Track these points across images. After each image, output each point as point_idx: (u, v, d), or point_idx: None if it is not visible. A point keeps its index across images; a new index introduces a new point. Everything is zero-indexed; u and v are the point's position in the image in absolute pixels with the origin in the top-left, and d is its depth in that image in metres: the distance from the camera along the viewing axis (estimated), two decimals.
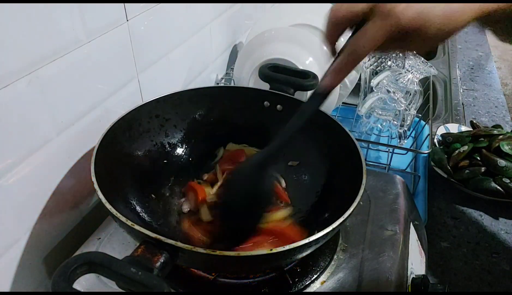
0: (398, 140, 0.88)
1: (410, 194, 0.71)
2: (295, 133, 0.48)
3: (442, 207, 0.86)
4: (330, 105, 0.89)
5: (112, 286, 0.40)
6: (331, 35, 0.43)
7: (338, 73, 0.43)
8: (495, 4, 0.39)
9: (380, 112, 0.87)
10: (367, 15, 0.40)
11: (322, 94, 0.46)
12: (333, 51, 0.44)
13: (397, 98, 0.85)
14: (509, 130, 0.96)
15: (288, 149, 0.71)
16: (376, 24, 0.38)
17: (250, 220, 0.54)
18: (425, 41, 0.39)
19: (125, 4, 0.64)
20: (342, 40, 0.44)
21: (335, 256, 0.57)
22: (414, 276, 0.58)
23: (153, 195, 0.64)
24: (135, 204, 0.59)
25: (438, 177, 0.90)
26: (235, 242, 0.53)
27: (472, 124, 1.02)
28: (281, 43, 0.89)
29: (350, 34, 0.42)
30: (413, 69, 0.92)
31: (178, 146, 0.71)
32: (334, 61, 0.43)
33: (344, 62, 0.42)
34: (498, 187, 0.84)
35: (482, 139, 0.91)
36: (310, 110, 0.47)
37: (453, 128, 1.02)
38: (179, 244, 0.41)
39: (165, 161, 0.69)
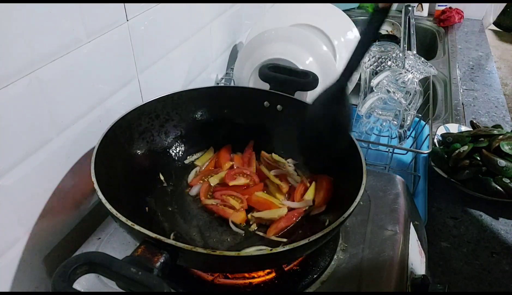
0: (398, 141, 0.88)
1: (410, 194, 0.71)
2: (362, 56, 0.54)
3: (442, 207, 0.86)
4: None
5: (112, 286, 0.40)
6: None
7: None
8: None
9: (380, 112, 0.87)
10: None
11: (381, 11, 0.51)
12: None
13: (397, 98, 0.85)
14: (509, 130, 0.96)
15: (288, 149, 0.71)
16: None
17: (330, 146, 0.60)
18: None
19: (125, 4, 0.64)
20: None
21: (335, 256, 0.57)
22: (414, 276, 0.58)
23: (152, 195, 0.63)
24: (135, 203, 0.59)
25: (438, 177, 0.90)
26: None
27: (472, 124, 1.02)
28: (281, 43, 0.89)
29: None
30: (413, 69, 0.92)
31: (178, 146, 0.71)
32: None
33: None
34: (498, 187, 0.84)
35: (482, 139, 0.91)
36: (372, 29, 0.53)
37: (453, 128, 1.02)
38: (179, 244, 0.41)
39: (165, 161, 0.69)
